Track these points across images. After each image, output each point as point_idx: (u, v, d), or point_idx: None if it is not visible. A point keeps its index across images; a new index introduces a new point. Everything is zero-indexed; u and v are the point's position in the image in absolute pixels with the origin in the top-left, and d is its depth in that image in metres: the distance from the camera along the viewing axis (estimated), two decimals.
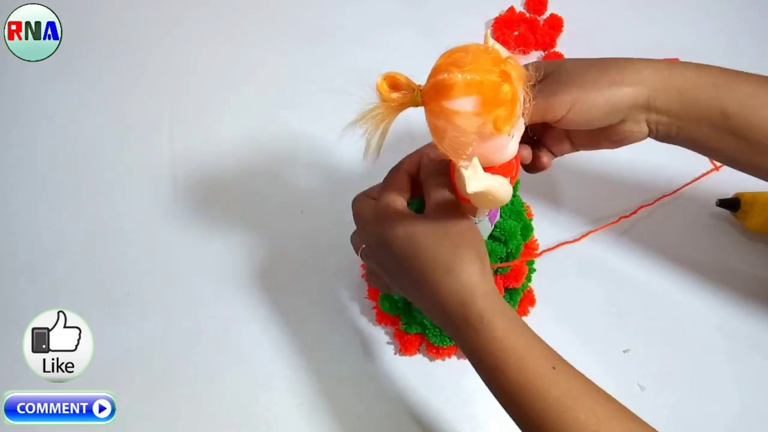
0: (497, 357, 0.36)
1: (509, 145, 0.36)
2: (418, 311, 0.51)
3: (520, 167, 0.42)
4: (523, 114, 0.35)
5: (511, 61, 0.33)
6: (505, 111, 0.32)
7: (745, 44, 0.76)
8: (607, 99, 0.39)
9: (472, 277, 0.37)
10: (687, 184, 0.65)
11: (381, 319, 0.57)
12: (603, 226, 0.62)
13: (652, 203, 0.64)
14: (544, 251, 0.59)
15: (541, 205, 0.62)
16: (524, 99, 0.34)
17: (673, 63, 0.42)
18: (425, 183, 0.41)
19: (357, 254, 0.45)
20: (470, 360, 0.39)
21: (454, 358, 0.56)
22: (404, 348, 0.56)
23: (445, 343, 0.54)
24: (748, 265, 0.62)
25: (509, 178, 0.38)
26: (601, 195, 0.65)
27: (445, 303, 0.37)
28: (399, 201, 0.41)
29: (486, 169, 0.35)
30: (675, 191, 0.65)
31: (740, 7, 0.79)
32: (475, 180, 0.34)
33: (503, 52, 0.34)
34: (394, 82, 0.33)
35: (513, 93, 0.32)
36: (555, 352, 0.37)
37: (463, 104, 0.32)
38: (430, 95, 0.33)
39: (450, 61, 0.32)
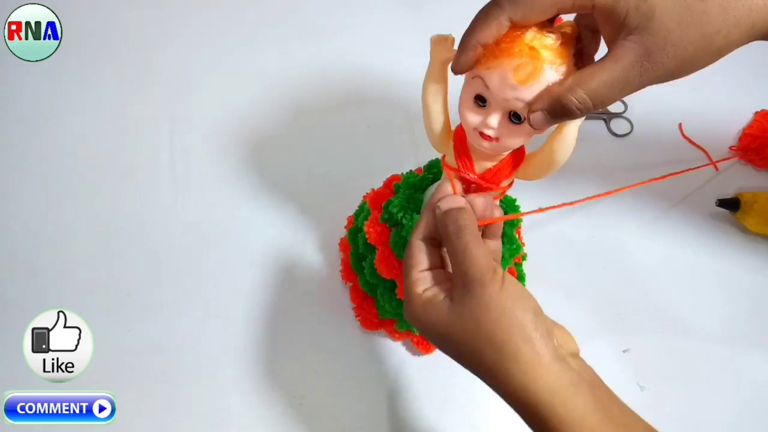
0: None
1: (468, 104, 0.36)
2: (385, 299, 0.51)
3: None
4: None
5: (541, 71, 0.32)
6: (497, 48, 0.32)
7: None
8: (710, 62, 0.32)
9: (523, 375, 0.32)
10: (683, 171, 0.65)
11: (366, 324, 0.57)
12: (588, 197, 0.61)
13: (647, 182, 0.63)
14: (526, 213, 0.58)
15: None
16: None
17: None
18: (449, 242, 0.34)
19: None
20: None
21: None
22: (364, 323, 0.56)
23: (402, 327, 0.54)
24: (747, 265, 0.62)
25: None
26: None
27: (507, 402, 0.33)
28: (419, 282, 0.35)
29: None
30: (675, 173, 0.64)
31: None
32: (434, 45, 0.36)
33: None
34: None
35: (530, 51, 0.32)
36: None
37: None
38: None
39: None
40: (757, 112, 0.71)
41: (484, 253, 0.34)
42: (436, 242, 0.38)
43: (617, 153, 0.68)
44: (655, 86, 0.75)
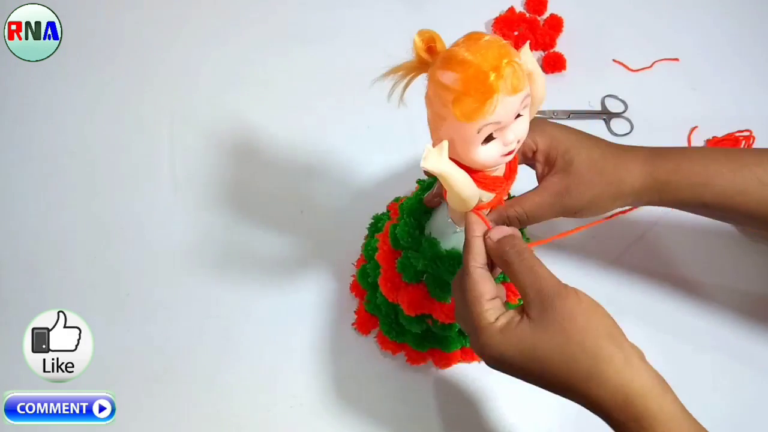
0: None
1: (480, 148, 0.33)
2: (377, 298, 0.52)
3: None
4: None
5: (519, 70, 0.31)
6: (472, 100, 0.30)
7: (744, 44, 0.76)
8: (609, 207, 0.45)
9: (619, 375, 0.33)
10: None
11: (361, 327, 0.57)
12: (597, 221, 0.62)
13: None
14: (536, 243, 0.59)
15: None
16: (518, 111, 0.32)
17: (654, 158, 0.44)
18: (512, 266, 0.36)
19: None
20: None
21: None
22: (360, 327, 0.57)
23: (391, 336, 0.53)
24: (747, 266, 0.62)
25: (490, 194, 0.38)
26: None
27: (598, 406, 0.34)
28: (490, 311, 0.36)
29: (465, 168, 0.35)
30: None
31: (739, 7, 0.79)
32: (433, 158, 0.32)
33: (529, 63, 0.33)
34: (430, 42, 0.33)
35: (490, 89, 0.30)
36: None
37: (447, 77, 0.31)
38: (437, 62, 0.32)
39: (468, 39, 0.32)
40: (707, 141, 0.68)
41: (548, 270, 0.36)
42: (488, 269, 0.38)
43: None
44: (656, 86, 0.76)
